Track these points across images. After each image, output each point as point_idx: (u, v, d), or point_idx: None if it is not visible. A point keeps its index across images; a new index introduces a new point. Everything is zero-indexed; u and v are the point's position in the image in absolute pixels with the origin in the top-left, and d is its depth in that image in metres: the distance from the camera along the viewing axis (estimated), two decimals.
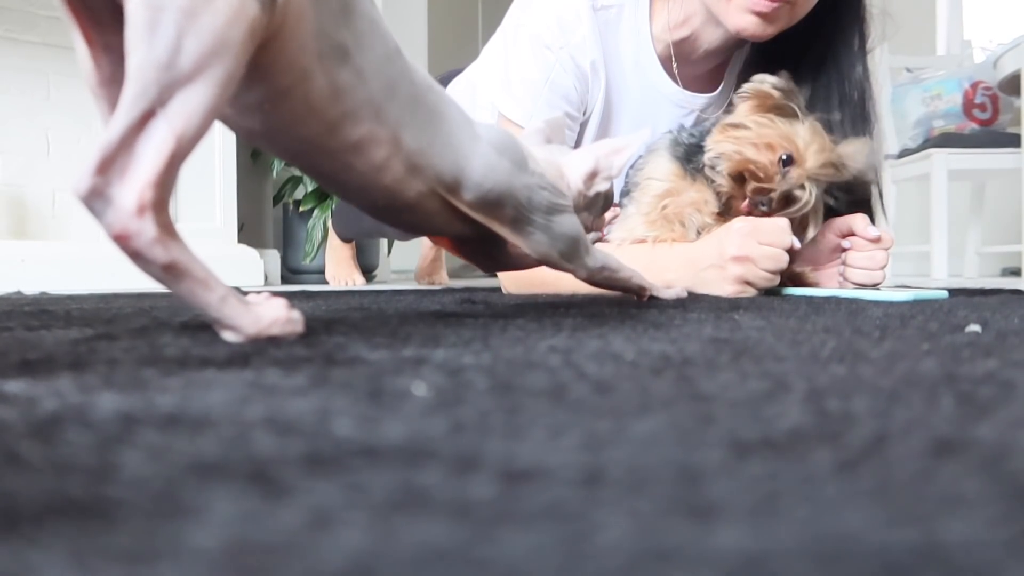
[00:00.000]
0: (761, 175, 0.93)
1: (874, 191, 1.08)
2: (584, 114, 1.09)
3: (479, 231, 0.61)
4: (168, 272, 0.39)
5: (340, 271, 2.12)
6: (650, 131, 0.89)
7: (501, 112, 1.07)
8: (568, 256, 0.65)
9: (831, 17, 1.04)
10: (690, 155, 1.00)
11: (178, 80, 0.37)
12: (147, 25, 0.36)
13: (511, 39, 1.08)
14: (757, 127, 0.94)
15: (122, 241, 0.38)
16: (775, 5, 0.97)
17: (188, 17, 0.36)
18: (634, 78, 1.09)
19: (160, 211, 0.38)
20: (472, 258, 0.70)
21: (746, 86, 0.98)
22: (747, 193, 0.94)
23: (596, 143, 0.74)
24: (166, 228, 0.38)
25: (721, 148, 0.95)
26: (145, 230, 0.37)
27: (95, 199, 0.37)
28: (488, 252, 0.68)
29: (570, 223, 0.65)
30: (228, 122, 0.50)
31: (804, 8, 1.00)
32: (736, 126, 0.96)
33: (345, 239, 2.09)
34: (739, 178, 0.95)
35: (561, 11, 1.03)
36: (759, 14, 0.98)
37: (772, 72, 1.10)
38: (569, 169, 0.69)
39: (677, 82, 1.11)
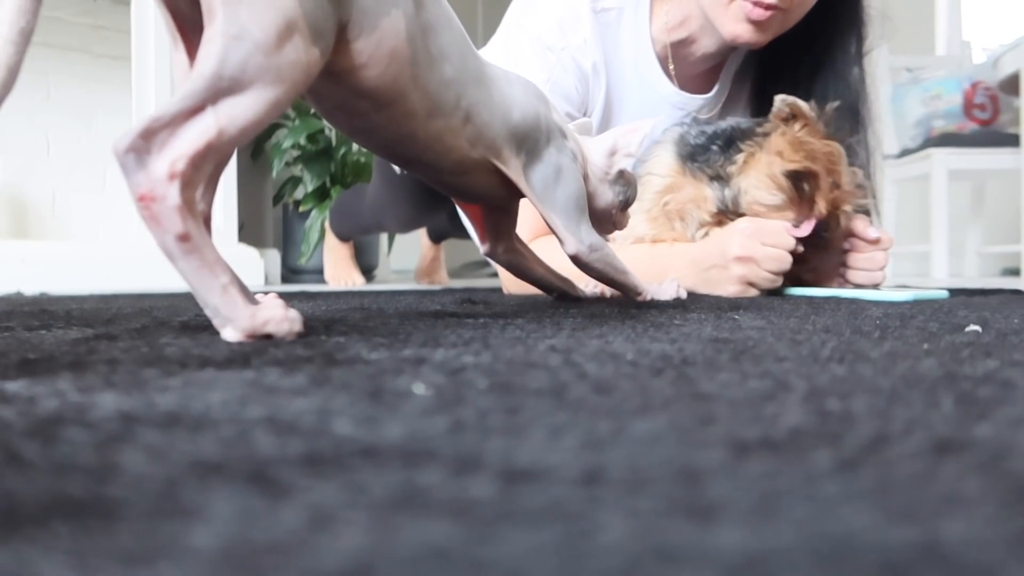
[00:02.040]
0: (821, 186, 0.92)
1: (870, 197, 1.08)
2: (584, 115, 1.09)
3: (511, 196, 0.69)
4: (180, 243, 0.40)
5: (339, 271, 2.12)
6: (662, 119, 0.90)
7: None
8: (564, 212, 0.70)
9: (829, 19, 1.05)
10: (695, 154, 1.00)
11: (233, 90, 0.41)
12: (223, 47, 0.41)
13: (512, 40, 1.09)
14: (820, 144, 0.93)
15: (145, 202, 0.40)
16: (769, 13, 0.98)
17: (258, 51, 0.41)
18: (634, 79, 1.09)
19: (187, 187, 0.40)
20: (492, 229, 0.78)
21: (782, 103, 0.96)
22: (815, 210, 0.93)
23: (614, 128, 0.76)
24: (189, 204, 0.40)
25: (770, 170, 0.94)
26: (170, 196, 0.40)
27: (131, 157, 0.40)
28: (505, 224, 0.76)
29: (576, 182, 0.70)
30: (335, 121, 0.57)
31: (797, 15, 1.01)
32: (783, 148, 0.94)
33: (343, 238, 2.09)
34: (797, 183, 0.94)
35: (562, 13, 1.04)
36: (753, 22, 0.99)
37: (770, 74, 1.10)
38: (591, 149, 0.75)
39: (674, 83, 1.12)
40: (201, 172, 0.41)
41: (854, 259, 1.00)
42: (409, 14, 0.51)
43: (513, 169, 0.65)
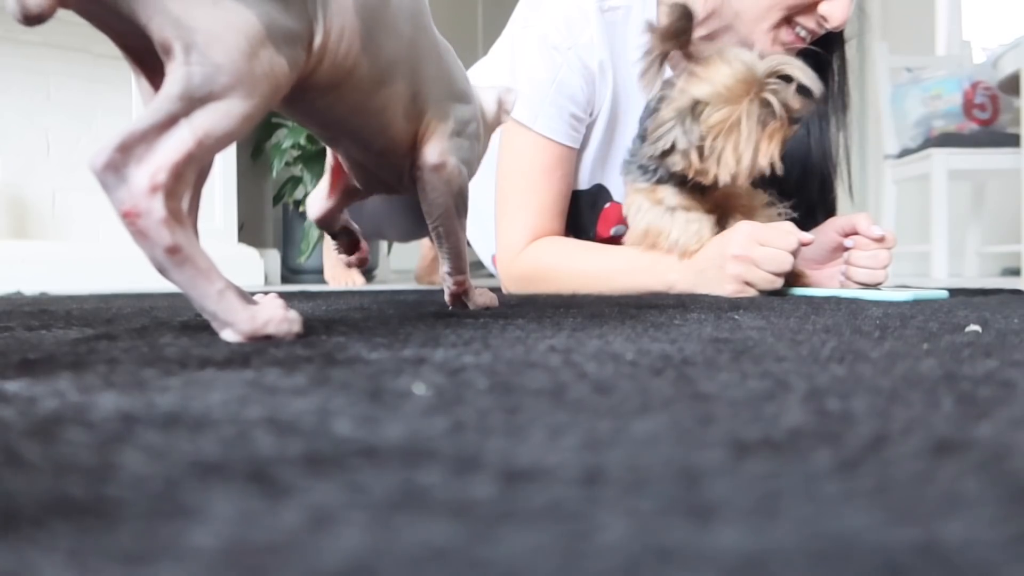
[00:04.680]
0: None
1: (839, 175, 1.09)
2: (591, 115, 1.08)
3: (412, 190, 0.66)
4: (171, 255, 0.40)
5: (338, 271, 2.12)
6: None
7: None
8: (457, 197, 0.65)
9: None
10: (645, 169, 1.00)
11: (205, 103, 0.41)
12: (187, 73, 0.40)
13: (518, 39, 1.08)
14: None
15: (130, 218, 0.39)
16: (805, 43, 1.00)
17: (222, 72, 0.41)
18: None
19: (171, 197, 0.39)
20: (343, 203, 0.72)
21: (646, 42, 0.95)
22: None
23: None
24: (175, 214, 0.40)
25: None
26: (154, 210, 0.39)
27: (110, 174, 0.39)
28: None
29: (478, 159, 0.70)
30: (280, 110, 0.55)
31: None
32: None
33: None
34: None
35: (569, 12, 1.03)
36: (790, 48, 1.01)
37: None
38: (485, 102, 0.74)
39: None
40: (183, 182, 0.40)
41: (857, 257, 0.99)
42: None
43: (436, 148, 0.62)
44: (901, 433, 0.23)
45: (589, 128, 1.09)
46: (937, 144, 2.56)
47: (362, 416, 0.25)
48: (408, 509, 0.16)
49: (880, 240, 0.98)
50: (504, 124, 1.08)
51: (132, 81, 2.09)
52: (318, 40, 0.47)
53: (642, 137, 1.00)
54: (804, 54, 1.02)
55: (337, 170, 0.69)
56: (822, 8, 0.98)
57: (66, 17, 0.45)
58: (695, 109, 0.92)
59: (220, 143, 0.41)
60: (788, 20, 1.00)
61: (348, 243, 0.74)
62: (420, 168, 0.62)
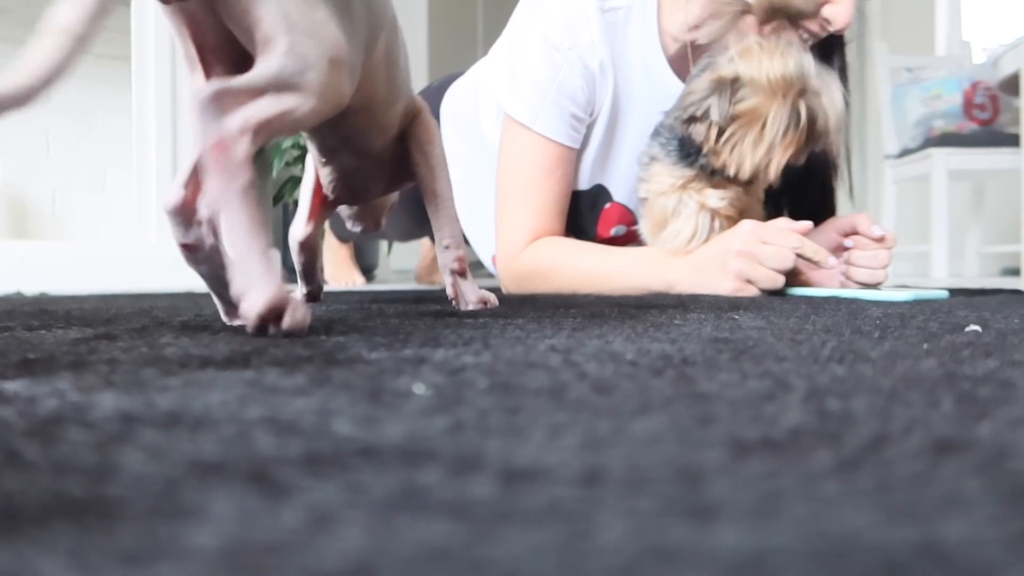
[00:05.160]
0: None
1: (841, 153, 1.07)
2: (591, 115, 1.08)
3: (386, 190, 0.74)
4: (244, 193, 0.43)
5: (339, 271, 2.12)
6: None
7: (507, 112, 1.06)
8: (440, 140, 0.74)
9: None
10: (680, 143, 0.97)
11: (290, 88, 0.46)
12: (283, 62, 0.46)
13: (519, 39, 1.08)
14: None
15: (218, 151, 0.42)
16: (809, 43, 0.99)
17: (310, 69, 0.47)
18: (642, 79, 1.08)
19: (253, 144, 0.44)
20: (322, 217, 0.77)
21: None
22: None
23: None
24: (250, 160, 0.44)
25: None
26: (240, 147, 0.43)
27: (210, 107, 0.43)
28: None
29: None
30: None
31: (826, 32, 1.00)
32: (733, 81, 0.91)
33: (343, 239, 2.09)
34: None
35: (569, 12, 1.03)
36: None
37: None
38: None
39: (684, 81, 1.11)
40: (263, 139, 0.45)
41: (857, 256, 0.99)
42: (390, 27, 0.58)
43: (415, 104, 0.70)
44: (901, 433, 0.23)
45: (589, 128, 1.09)
46: (937, 144, 2.55)
47: (362, 416, 0.25)
48: (408, 509, 0.16)
49: (880, 240, 0.98)
50: (504, 124, 1.08)
51: (132, 81, 2.10)
52: (358, 73, 0.54)
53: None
54: None
55: (319, 191, 0.73)
56: (826, 11, 0.97)
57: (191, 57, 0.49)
58: (734, 85, 0.91)
59: (290, 125, 0.47)
60: (792, 22, 0.99)
61: (307, 266, 0.76)
62: (412, 129, 0.68)
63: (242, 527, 0.15)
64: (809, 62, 0.91)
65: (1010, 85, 2.46)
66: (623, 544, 0.14)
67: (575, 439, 0.22)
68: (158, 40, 2.08)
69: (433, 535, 0.15)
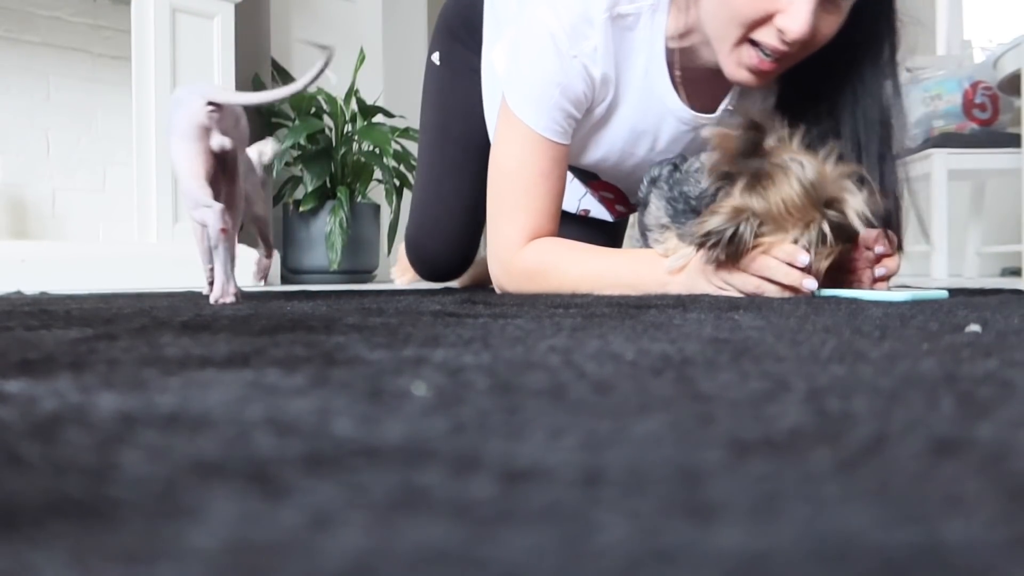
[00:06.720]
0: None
1: (904, 212, 1.02)
2: (585, 112, 1.08)
3: None
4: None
5: (408, 275, 2.09)
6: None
7: (511, 107, 1.06)
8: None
9: (856, 26, 0.96)
10: (673, 202, 0.97)
11: None
12: None
13: (526, 36, 1.07)
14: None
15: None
16: (775, 66, 0.94)
17: None
18: (641, 84, 1.07)
19: None
20: None
21: (710, 133, 0.91)
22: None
23: None
24: None
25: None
26: None
27: None
28: None
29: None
30: None
31: (812, 49, 0.94)
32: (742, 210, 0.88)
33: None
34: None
35: (575, 17, 1.01)
36: (755, 71, 0.95)
37: (783, 92, 1.05)
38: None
39: (682, 94, 1.09)
40: None
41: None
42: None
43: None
44: (901, 433, 0.23)
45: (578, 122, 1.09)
46: (937, 144, 2.56)
47: (362, 416, 0.25)
48: (408, 509, 0.16)
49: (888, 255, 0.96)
50: (503, 111, 1.11)
51: (132, 81, 2.10)
52: None
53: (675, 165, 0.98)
54: (809, 62, 0.96)
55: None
56: (778, 21, 0.90)
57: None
58: (751, 220, 0.88)
59: None
60: (750, 39, 0.94)
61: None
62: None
63: (242, 527, 0.15)
64: (814, 174, 0.87)
65: (1010, 85, 2.46)
66: (623, 545, 0.14)
67: (575, 439, 0.22)
68: (158, 40, 2.08)
69: (433, 535, 0.15)
